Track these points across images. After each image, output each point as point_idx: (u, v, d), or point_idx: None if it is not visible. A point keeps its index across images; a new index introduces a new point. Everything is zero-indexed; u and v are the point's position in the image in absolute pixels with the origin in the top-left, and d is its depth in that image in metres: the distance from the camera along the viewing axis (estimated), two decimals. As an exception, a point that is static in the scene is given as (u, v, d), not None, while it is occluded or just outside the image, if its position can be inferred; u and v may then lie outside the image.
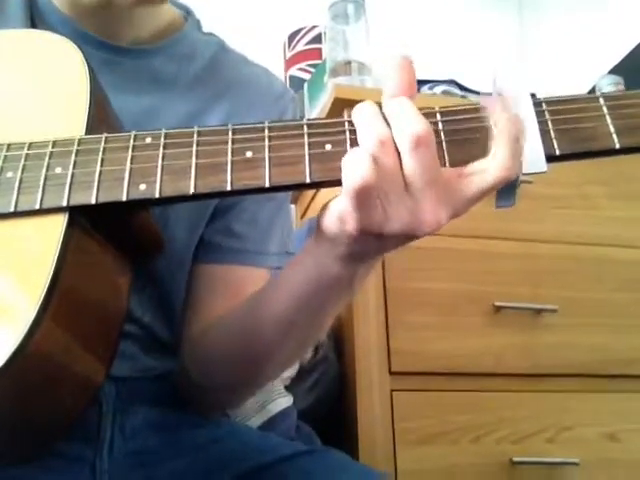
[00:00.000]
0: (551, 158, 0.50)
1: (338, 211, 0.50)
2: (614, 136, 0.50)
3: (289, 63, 1.88)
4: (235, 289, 0.78)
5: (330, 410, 1.24)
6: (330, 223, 0.51)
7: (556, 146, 0.50)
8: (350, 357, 1.22)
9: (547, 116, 0.51)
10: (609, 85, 1.65)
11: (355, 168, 0.47)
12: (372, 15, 1.58)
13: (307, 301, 0.60)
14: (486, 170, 0.49)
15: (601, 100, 0.51)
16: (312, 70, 1.77)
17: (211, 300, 0.79)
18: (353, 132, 0.51)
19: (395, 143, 0.49)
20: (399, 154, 0.49)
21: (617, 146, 0.50)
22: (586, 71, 1.92)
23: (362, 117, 0.51)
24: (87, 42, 0.74)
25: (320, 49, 1.82)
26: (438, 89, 1.63)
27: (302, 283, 0.59)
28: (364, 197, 0.48)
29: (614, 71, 1.82)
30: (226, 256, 0.81)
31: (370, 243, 0.52)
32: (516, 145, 0.49)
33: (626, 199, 1.43)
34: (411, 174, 0.48)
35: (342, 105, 1.30)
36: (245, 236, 0.82)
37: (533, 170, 0.49)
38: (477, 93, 1.65)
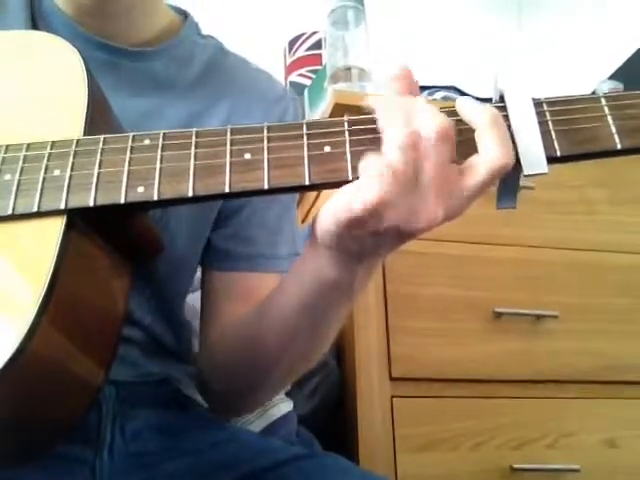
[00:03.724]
0: (552, 159, 0.49)
1: (336, 209, 0.50)
2: (615, 137, 0.50)
3: (289, 69, 1.88)
4: (249, 295, 0.78)
5: (330, 416, 1.23)
6: (327, 222, 0.51)
7: (557, 147, 0.50)
8: (350, 363, 1.21)
9: (548, 117, 0.51)
10: (608, 91, 1.66)
11: (375, 183, 0.47)
12: (372, 21, 1.59)
13: (310, 306, 0.60)
14: (478, 164, 0.49)
15: (602, 100, 0.51)
16: (312, 76, 1.77)
17: (226, 307, 0.79)
18: (352, 133, 0.51)
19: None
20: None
21: (619, 147, 0.49)
22: (585, 77, 1.92)
23: (394, 114, 0.50)
24: (87, 43, 0.74)
25: (320, 55, 1.82)
26: (438, 95, 1.63)
27: (303, 288, 0.60)
28: (379, 210, 0.47)
29: (614, 77, 1.82)
30: (238, 263, 0.81)
31: (366, 241, 0.51)
32: (497, 133, 0.49)
33: (627, 204, 1.43)
34: (427, 169, 0.48)
35: (342, 111, 1.30)
36: (255, 240, 0.82)
37: (534, 172, 0.49)
38: (477, 99, 1.65)
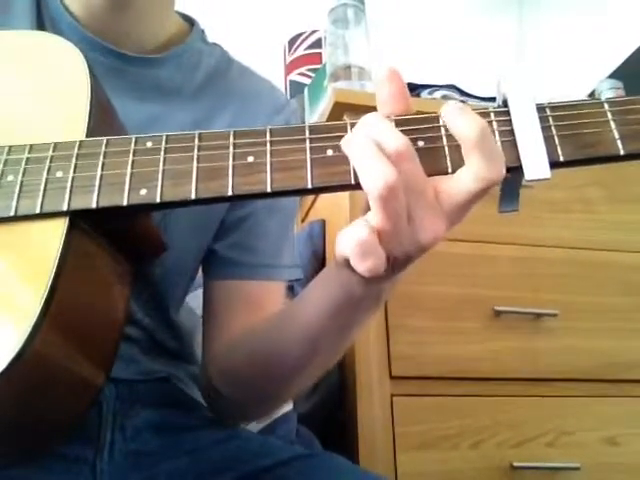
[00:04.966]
0: (555, 164, 0.49)
1: (346, 248, 0.50)
2: (618, 142, 0.49)
3: (289, 68, 1.88)
4: (253, 303, 0.79)
5: (330, 415, 1.24)
6: (341, 258, 0.51)
7: (560, 152, 0.49)
8: (350, 361, 1.22)
9: (551, 122, 0.50)
10: (608, 89, 1.65)
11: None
12: (372, 19, 1.59)
13: (334, 320, 0.61)
14: (466, 177, 0.48)
15: (606, 105, 0.51)
16: (312, 75, 1.77)
17: (231, 316, 0.79)
18: None
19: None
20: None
21: (622, 152, 0.49)
22: (585, 75, 1.92)
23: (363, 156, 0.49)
24: (93, 48, 0.74)
25: (320, 54, 1.82)
26: (438, 94, 1.62)
27: (328, 304, 0.59)
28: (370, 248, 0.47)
29: (614, 75, 1.82)
30: (242, 271, 0.81)
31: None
32: (485, 148, 0.48)
33: (626, 203, 1.44)
34: (407, 201, 0.47)
35: (342, 109, 1.30)
36: (260, 250, 0.82)
37: (536, 177, 0.48)
38: (477, 98, 1.66)
